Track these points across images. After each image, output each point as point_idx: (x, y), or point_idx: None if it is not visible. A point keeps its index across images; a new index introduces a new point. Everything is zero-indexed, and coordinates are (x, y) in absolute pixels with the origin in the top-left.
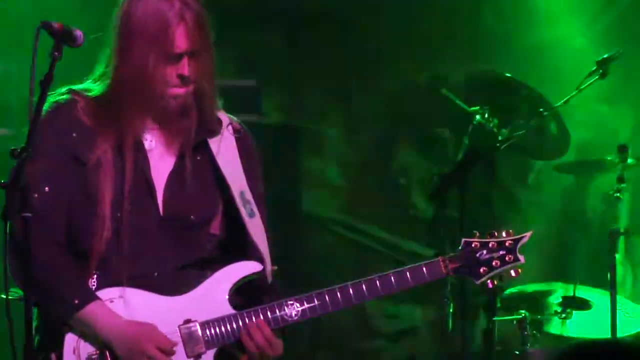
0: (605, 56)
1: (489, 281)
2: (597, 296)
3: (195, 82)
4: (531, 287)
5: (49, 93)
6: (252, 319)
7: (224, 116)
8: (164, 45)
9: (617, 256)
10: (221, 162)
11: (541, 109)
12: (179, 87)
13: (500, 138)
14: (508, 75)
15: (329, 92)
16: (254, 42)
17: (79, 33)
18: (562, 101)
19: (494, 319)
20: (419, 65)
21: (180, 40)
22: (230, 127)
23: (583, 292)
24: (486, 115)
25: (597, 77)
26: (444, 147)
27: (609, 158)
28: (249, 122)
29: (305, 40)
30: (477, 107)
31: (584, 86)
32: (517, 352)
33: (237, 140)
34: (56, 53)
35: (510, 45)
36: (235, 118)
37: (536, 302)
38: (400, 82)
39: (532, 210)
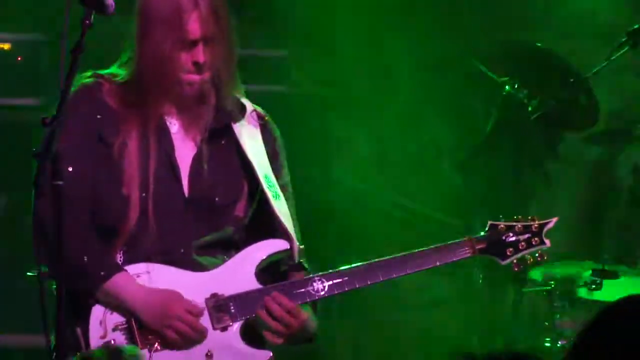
0: (636, 27)
1: (514, 263)
2: (626, 271)
3: (212, 69)
4: (560, 270)
5: (79, 70)
6: (280, 293)
7: (247, 103)
8: (178, 31)
9: None
10: (246, 145)
11: (571, 79)
12: (194, 74)
13: (530, 109)
14: (539, 45)
15: (359, 62)
16: (282, 12)
17: (110, 1)
18: (592, 71)
19: (523, 290)
20: (450, 35)
21: (194, 27)
22: (254, 114)
23: (612, 268)
24: (516, 86)
25: (627, 47)
26: (474, 117)
27: (639, 128)
28: (279, 91)
29: (334, 11)
30: (507, 78)
31: (614, 57)
32: (547, 323)
33: (261, 126)
34: (87, 21)
35: (542, 15)
36: (259, 107)
37: (566, 275)
38: (430, 51)
39: (561, 181)
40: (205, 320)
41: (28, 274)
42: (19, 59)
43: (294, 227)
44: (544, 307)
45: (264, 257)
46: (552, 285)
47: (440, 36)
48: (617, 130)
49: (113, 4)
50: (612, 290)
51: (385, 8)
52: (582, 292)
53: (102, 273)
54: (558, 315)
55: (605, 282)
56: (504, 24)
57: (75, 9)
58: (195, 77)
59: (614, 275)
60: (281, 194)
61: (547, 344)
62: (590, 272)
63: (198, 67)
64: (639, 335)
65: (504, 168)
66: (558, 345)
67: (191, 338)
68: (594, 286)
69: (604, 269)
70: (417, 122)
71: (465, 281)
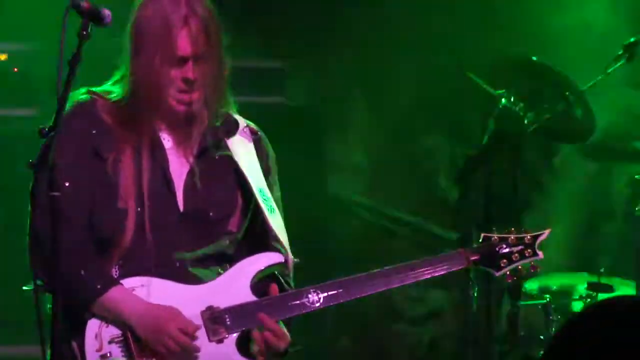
0: (632, 40)
1: (507, 274)
2: (621, 283)
3: (202, 87)
4: (556, 281)
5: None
6: (276, 304)
7: (240, 118)
8: (168, 48)
9: None
10: (240, 160)
11: (567, 93)
12: (184, 93)
13: (526, 121)
14: (534, 58)
15: (355, 74)
16: (280, 24)
17: (107, 12)
18: (589, 85)
19: (519, 303)
20: (445, 48)
21: (183, 44)
22: (247, 129)
23: (608, 280)
24: (512, 99)
25: (623, 61)
26: (470, 129)
27: (635, 143)
28: (275, 103)
29: (333, 23)
30: (503, 91)
31: (610, 70)
32: (542, 337)
33: (255, 141)
34: (84, 32)
35: (538, 29)
36: (252, 123)
37: (561, 288)
38: (426, 64)
39: (557, 194)
40: (201, 333)
41: (24, 287)
42: (15, 69)
43: (288, 240)
44: (539, 320)
45: (259, 270)
46: (548, 299)
47: (436, 49)
48: (613, 144)
49: (110, 14)
50: None
51: (381, 22)
52: (578, 306)
53: (98, 286)
54: (553, 329)
55: (601, 295)
56: (499, 37)
57: (72, 19)
58: (185, 97)
59: (609, 289)
60: (276, 208)
61: None
62: (586, 285)
63: (188, 84)
64: (604, 338)
65: (500, 181)
66: None
67: (183, 358)
68: (589, 300)
69: (599, 282)
70: (412, 135)
71: (460, 293)
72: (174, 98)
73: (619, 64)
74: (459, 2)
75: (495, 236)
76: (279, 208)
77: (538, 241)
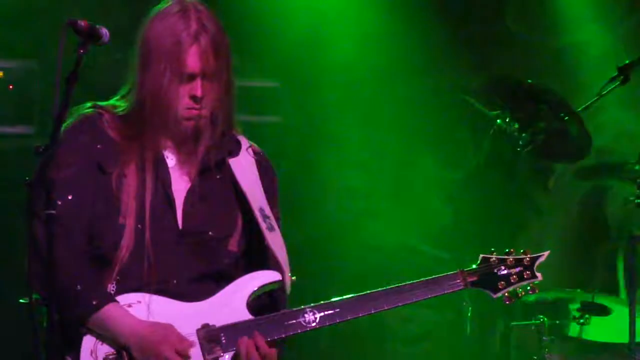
0: (627, 62)
1: (505, 296)
2: (615, 302)
3: (209, 105)
4: (551, 295)
5: (74, 107)
6: (272, 323)
7: (243, 139)
8: (177, 64)
9: None
10: (241, 180)
11: (562, 114)
12: (192, 109)
13: (520, 142)
14: (530, 81)
15: (349, 94)
16: (275, 45)
17: (104, 31)
18: (583, 106)
19: (512, 323)
20: (440, 69)
21: (192, 61)
22: (250, 150)
23: (602, 299)
24: (507, 120)
25: (618, 82)
26: (464, 150)
27: (629, 164)
28: (269, 122)
29: (327, 44)
30: (498, 112)
31: (605, 92)
32: (535, 358)
33: (257, 162)
34: (82, 50)
35: (533, 50)
36: (255, 144)
37: (555, 307)
38: (420, 85)
39: (552, 214)
40: (196, 351)
41: (20, 300)
42: (10, 87)
43: (286, 258)
44: (532, 341)
45: (256, 289)
46: (541, 320)
47: (431, 70)
48: (608, 165)
49: (107, 33)
50: (601, 326)
51: (376, 42)
52: (571, 328)
53: (94, 302)
54: (546, 350)
55: (594, 318)
56: (495, 59)
57: (69, 37)
58: (193, 113)
59: (603, 312)
60: (276, 227)
61: None
62: (579, 305)
63: (196, 100)
64: None
65: (494, 201)
66: None
67: None
68: (582, 321)
69: (593, 303)
70: (406, 155)
71: (454, 313)
72: (181, 114)
73: (613, 85)
74: (456, 24)
75: (494, 257)
76: (279, 228)
77: (537, 262)
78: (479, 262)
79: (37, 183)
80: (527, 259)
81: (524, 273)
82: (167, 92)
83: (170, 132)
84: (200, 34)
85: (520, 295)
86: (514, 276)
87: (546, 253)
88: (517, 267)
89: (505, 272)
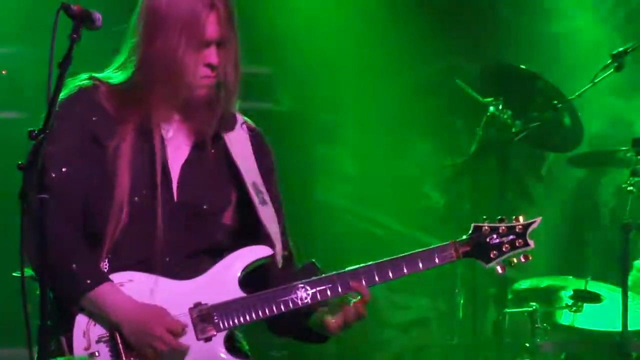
0: (620, 49)
1: (498, 266)
2: (608, 290)
3: (222, 73)
4: (544, 282)
5: (69, 78)
6: (264, 301)
7: (238, 114)
8: (196, 33)
9: None
10: (235, 155)
11: (555, 101)
12: (207, 77)
13: (513, 130)
14: (523, 67)
15: (342, 80)
16: (268, 30)
17: (97, 15)
18: (577, 94)
19: (505, 310)
20: (435, 55)
21: (212, 28)
22: (244, 125)
23: (594, 287)
24: (500, 107)
25: (612, 70)
26: (457, 137)
27: (622, 151)
28: (263, 109)
29: (321, 30)
30: (491, 99)
31: (598, 79)
32: (528, 345)
33: (252, 137)
34: (75, 35)
35: (526, 37)
36: (249, 120)
37: (548, 295)
38: (415, 71)
39: (545, 202)
40: (188, 331)
41: (13, 274)
42: (3, 72)
43: (279, 233)
44: (525, 328)
45: (248, 264)
46: (534, 307)
47: (425, 57)
48: (601, 153)
49: (100, 17)
50: (594, 313)
51: (371, 30)
52: (563, 315)
53: (88, 281)
54: (539, 337)
55: (587, 305)
56: (488, 46)
57: (62, 22)
58: (208, 80)
59: (594, 298)
60: (269, 201)
61: None
62: (571, 293)
63: (213, 68)
64: None
65: (487, 188)
66: None
67: (170, 358)
68: (574, 308)
69: (586, 291)
70: (400, 142)
71: (447, 301)
72: (197, 82)
73: (607, 73)
74: (452, 10)
75: (485, 226)
76: (279, 205)
77: (529, 230)
78: (470, 231)
79: (31, 164)
80: (520, 226)
81: (517, 241)
82: (183, 61)
83: (180, 100)
84: (216, 1)
85: (512, 264)
86: (506, 245)
87: (538, 219)
88: (509, 235)
89: (497, 241)
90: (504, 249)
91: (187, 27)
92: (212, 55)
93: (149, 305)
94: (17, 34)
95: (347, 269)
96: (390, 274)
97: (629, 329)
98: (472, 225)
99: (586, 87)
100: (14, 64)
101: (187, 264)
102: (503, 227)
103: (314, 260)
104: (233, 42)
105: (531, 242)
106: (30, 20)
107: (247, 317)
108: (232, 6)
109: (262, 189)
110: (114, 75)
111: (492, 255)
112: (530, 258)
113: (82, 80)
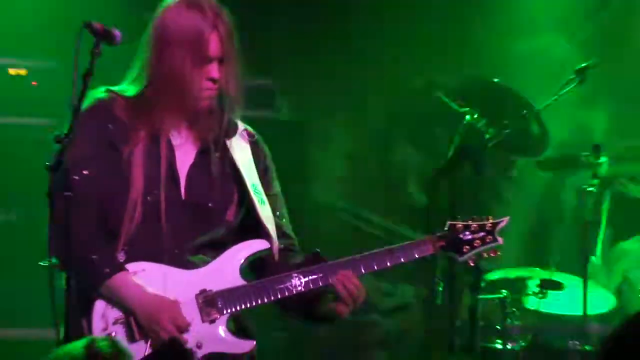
0: (582, 65)
1: (470, 260)
2: (569, 279)
3: (225, 85)
4: (513, 272)
5: (89, 90)
6: (262, 289)
7: (239, 122)
8: (199, 50)
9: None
10: (237, 159)
11: (525, 111)
12: (209, 89)
13: (487, 137)
14: (496, 80)
15: (335, 92)
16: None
17: (117, 33)
18: (544, 105)
19: (479, 297)
20: (417, 70)
21: (214, 46)
22: (245, 132)
23: (558, 276)
24: (475, 116)
25: (575, 84)
26: (437, 143)
27: (584, 156)
28: (264, 117)
29: (314, 46)
30: (468, 109)
31: (562, 92)
32: (499, 327)
33: (251, 143)
34: (96, 50)
35: (500, 54)
36: (249, 127)
37: (517, 283)
38: (399, 84)
39: (515, 201)
40: (196, 315)
41: (40, 263)
42: (34, 83)
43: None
44: (496, 312)
45: (246, 256)
46: (504, 295)
47: (409, 71)
48: (565, 157)
49: (120, 35)
50: (557, 300)
51: (359, 44)
52: (530, 301)
53: (106, 270)
54: (509, 320)
55: (550, 292)
56: (466, 60)
57: (85, 39)
58: (210, 93)
59: (558, 286)
60: (266, 201)
61: (499, 346)
62: (538, 282)
63: (214, 82)
64: None
65: (464, 188)
66: (508, 347)
67: None
68: (540, 295)
69: (550, 280)
70: (386, 148)
71: (427, 288)
72: (199, 95)
73: (570, 86)
74: (431, 29)
75: (459, 223)
76: (280, 199)
77: (498, 228)
78: (446, 228)
79: (56, 165)
80: (490, 224)
81: (487, 238)
82: (190, 77)
83: (186, 111)
84: (217, 22)
85: (483, 257)
86: (478, 241)
87: (506, 219)
88: (480, 232)
89: (469, 237)
90: (475, 245)
91: (192, 46)
92: (214, 70)
93: (161, 297)
94: (48, 49)
95: (337, 260)
96: (375, 266)
97: (588, 313)
98: (448, 222)
99: (552, 99)
100: (45, 75)
101: (193, 255)
102: (475, 225)
103: (318, 249)
104: (233, 59)
105: (500, 239)
106: (58, 36)
107: (248, 303)
108: (232, 27)
109: (261, 189)
110: (128, 88)
111: (464, 250)
112: (499, 253)
113: (100, 92)
